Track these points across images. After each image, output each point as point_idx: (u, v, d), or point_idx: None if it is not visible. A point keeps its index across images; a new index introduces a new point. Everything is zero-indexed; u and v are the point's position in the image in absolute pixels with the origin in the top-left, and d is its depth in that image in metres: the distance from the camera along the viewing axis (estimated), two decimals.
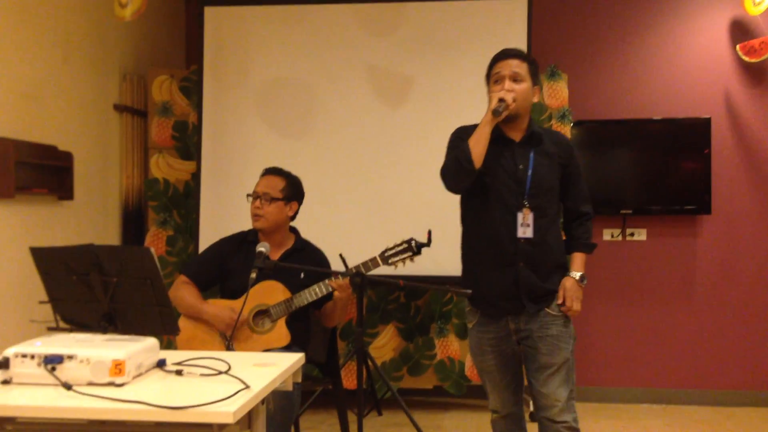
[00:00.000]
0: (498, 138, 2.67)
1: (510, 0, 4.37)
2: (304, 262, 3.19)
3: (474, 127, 2.65)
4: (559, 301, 2.68)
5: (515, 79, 2.62)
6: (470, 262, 2.79)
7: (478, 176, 2.64)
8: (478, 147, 2.57)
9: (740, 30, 4.74)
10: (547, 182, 2.68)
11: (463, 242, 2.83)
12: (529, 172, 2.66)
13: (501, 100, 2.56)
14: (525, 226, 2.63)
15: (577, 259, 2.76)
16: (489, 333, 2.74)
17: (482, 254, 2.72)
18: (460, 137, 2.69)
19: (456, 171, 2.64)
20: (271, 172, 3.30)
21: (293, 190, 3.26)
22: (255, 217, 3.20)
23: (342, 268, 3.16)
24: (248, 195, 3.25)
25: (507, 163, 2.67)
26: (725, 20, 4.78)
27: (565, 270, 2.75)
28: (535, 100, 2.73)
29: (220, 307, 3.09)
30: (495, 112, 2.56)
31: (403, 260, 3.16)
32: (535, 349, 2.67)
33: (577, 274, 2.73)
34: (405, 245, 3.14)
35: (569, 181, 2.77)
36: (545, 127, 2.87)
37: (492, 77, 2.69)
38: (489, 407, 2.87)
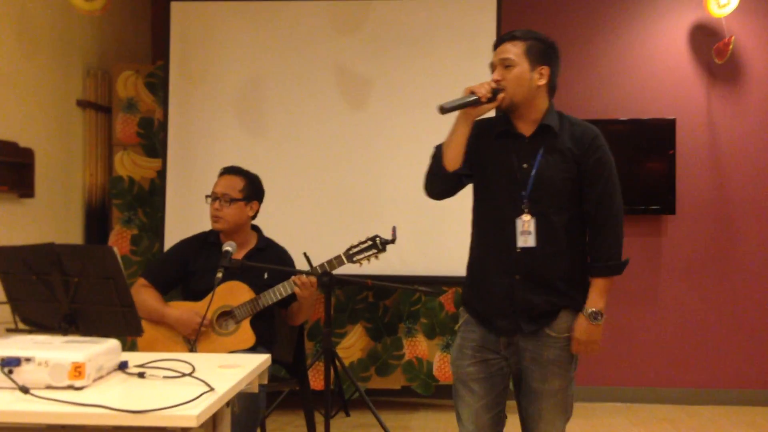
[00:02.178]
0: (505, 132, 2.37)
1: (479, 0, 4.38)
2: (267, 261, 3.15)
3: (487, 120, 2.38)
4: (573, 350, 2.32)
5: (506, 65, 2.29)
6: (470, 274, 2.46)
7: (479, 177, 2.38)
8: (449, 149, 2.29)
9: (704, 32, 4.81)
10: (552, 184, 2.29)
11: (470, 248, 2.48)
12: (533, 172, 2.29)
13: (472, 93, 2.24)
14: (526, 234, 2.28)
15: (593, 290, 2.32)
16: (474, 334, 2.37)
17: (480, 265, 2.40)
18: None
19: (430, 176, 2.37)
20: (230, 171, 3.22)
21: (253, 189, 3.20)
22: (214, 218, 3.14)
23: (306, 267, 3.14)
24: (207, 196, 3.18)
25: (509, 161, 2.32)
26: (690, 22, 4.84)
27: (582, 286, 2.34)
28: (541, 83, 2.32)
29: (183, 311, 3.04)
30: (441, 110, 2.23)
31: (368, 258, 3.14)
32: (526, 371, 2.33)
33: (587, 311, 2.29)
34: (370, 242, 3.13)
35: (585, 182, 2.32)
36: (572, 117, 2.42)
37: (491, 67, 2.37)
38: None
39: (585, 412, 4.67)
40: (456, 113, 2.29)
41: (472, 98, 2.24)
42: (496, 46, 2.36)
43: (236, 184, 3.16)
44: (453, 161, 2.30)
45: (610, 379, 4.87)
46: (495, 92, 2.26)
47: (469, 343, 2.38)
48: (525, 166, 2.31)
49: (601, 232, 2.33)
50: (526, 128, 2.35)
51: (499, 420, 2.39)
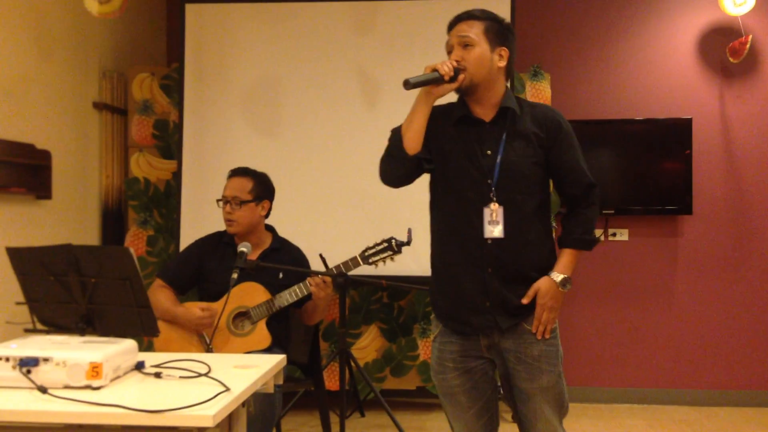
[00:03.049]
0: (465, 118, 2.26)
1: (492, 0, 4.36)
2: (282, 261, 3.16)
3: (443, 107, 2.27)
4: (525, 301, 2.20)
5: (465, 44, 2.20)
6: (436, 272, 2.33)
7: (439, 166, 2.26)
8: (410, 130, 2.17)
9: (720, 31, 4.77)
10: (519, 170, 2.20)
11: (431, 244, 2.36)
12: (498, 159, 2.19)
13: (434, 70, 2.13)
14: (494, 224, 2.17)
15: (563, 257, 2.24)
16: (452, 345, 2.26)
17: (445, 260, 2.28)
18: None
19: (387, 159, 2.24)
20: (238, 173, 3.22)
21: (262, 189, 3.19)
22: (228, 222, 3.14)
23: (322, 269, 3.14)
24: (218, 200, 3.18)
25: (471, 148, 2.22)
26: (705, 21, 4.80)
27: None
28: (501, 64, 2.24)
29: (194, 310, 3.05)
30: (406, 84, 2.11)
31: (384, 260, 3.14)
32: (512, 373, 2.24)
33: (558, 276, 2.21)
34: (385, 244, 3.13)
35: (556, 165, 2.26)
36: (529, 100, 2.36)
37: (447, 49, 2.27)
38: None
39: (601, 414, 4.64)
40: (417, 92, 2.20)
41: (435, 75, 2.14)
42: (452, 25, 2.26)
43: (245, 185, 3.16)
44: (413, 143, 2.19)
45: (627, 380, 4.84)
46: (456, 71, 2.17)
47: (448, 354, 2.27)
48: (489, 152, 2.22)
49: (578, 206, 2.29)
50: (486, 113, 2.25)
51: (492, 423, 2.33)
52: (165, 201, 4.66)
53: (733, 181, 4.78)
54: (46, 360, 1.76)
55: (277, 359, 2.17)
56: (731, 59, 4.66)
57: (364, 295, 4.56)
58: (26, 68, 3.78)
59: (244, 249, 3.00)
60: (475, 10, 2.25)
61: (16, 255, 2.29)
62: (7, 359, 1.76)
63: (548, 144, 2.25)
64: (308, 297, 3.09)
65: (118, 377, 1.86)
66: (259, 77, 4.48)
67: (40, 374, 1.75)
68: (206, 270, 3.18)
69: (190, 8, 4.51)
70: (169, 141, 4.67)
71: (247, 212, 3.13)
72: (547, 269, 2.25)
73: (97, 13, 3.85)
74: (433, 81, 2.16)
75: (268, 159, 4.14)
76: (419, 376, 4.55)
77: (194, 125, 4.47)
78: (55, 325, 2.31)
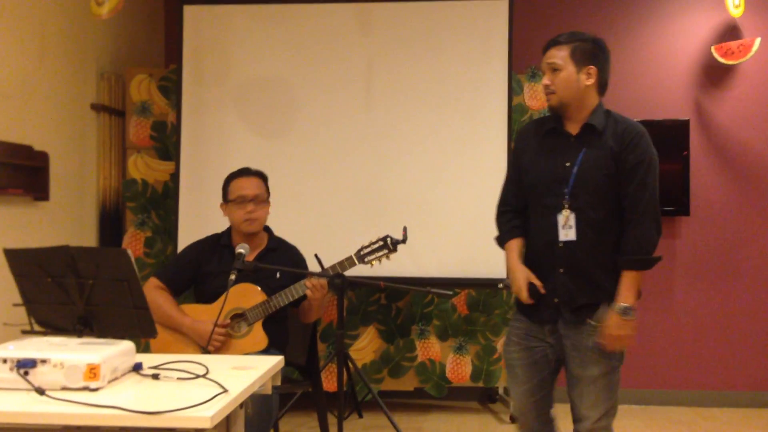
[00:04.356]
0: (553, 131, 2.52)
1: (491, 0, 4.38)
2: (279, 261, 3.16)
3: (539, 120, 2.62)
4: (603, 343, 2.39)
5: (553, 69, 2.46)
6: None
7: (527, 177, 2.54)
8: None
9: (720, 32, 4.78)
10: (592, 180, 2.41)
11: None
12: (575, 170, 2.43)
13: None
14: (567, 228, 2.41)
15: (623, 282, 2.39)
16: (521, 323, 2.56)
17: (529, 260, 2.54)
18: (514, 157, 2.67)
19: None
20: (251, 173, 3.24)
21: (268, 190, 3.26)
22: (249, 222, 3.12)
23: (318, 269, 3.14)
24: (231, 200, 3.17)
25: (554, 159, 2.48)
26: (705, 22, 4.81)
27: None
28: (589, 82, 2.47)
29: (199, 321, 3.04)
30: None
31: (379, 258, 3.14)
32: (567, 358, 2.48)
33: (618, 307, 2.36)
34: (381, 243, 3.13)
35: (621, 178, 2.42)
36: (619, 115, 2.56)
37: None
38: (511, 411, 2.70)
39: None
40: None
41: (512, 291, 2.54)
42: (544, 51, 2.52)
43: (261, 185, 3.21)
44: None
45: (625, 381, 4.78)
46: (552, 93, 2.48)
47: (516, 331, 2.57)
48: (567, 164, 2.45)
49: (632, 226, 2.40)
50: (573, 127, 2.50)
51: (544, 405, 2.54)
52: (163, 202, 4.66)
53: (731, 182, 4.79)
54: (43, 361, 1.75)
55: (275, 360, 2.17)
56: (726, 60, 4.67)
57: (361, 297, 4.56)
58: (24, 70, 3.78)
59: (242, 250, 2.99)
60: (561, 35, 2.50)
61: (14, 256, 2.29)
62: (5, 361, 1.76)
63: (619, 157, 2.43)
64: (305, 296, 3.09)
65: (115, 379, 1.86)
66: (257, 78, 4.48)
67: (37, 376, 1.75)
68: (204, 272, 3.18)
69: (188, 9, 4.51)
70: (167, 142, 4.67)
71: (266, 211, 3.19)
72: (612, 272, 2.42)
73: (106, 14, 3.81)
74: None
75: (265, 159, 4.13)
76: (417, 377, 4.55)
77: (192, 127, 4.47)
78: (53, 327, 2.31)
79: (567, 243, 2.41)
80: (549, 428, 2.60)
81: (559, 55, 2.46)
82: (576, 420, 2.51)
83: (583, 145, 2.45)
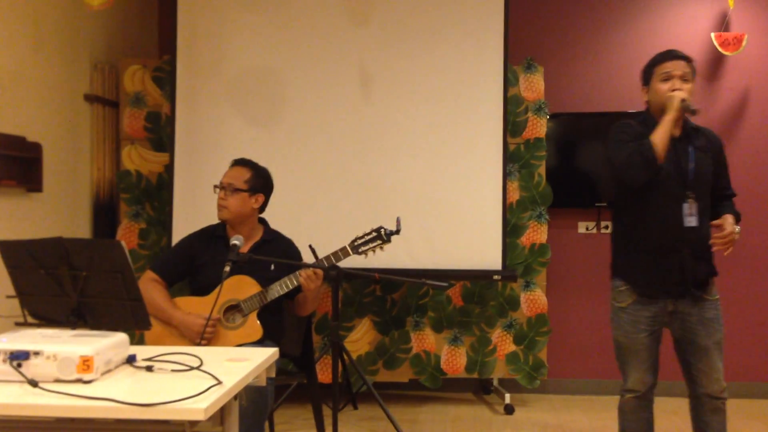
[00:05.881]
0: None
1: None
2: (273, 253, 3.16)
3: (639, 123, 2.91)
4: (717, 223, 2.82)
5: (685, 79, 2.83)
6: (633, 251, 2.93)
7: None
8: (662, 144, 2.74)
9: (717, 23, 4.77)
10: (706, 175, 2.88)
11: (621, 232, 3.00)
12: (691, 166, 2.84)
13: (683, 100, 2.76)
14: (690, 216, 2.81)
15: (730, 216, 2.88)
16: (647, 312, 2.89)
17: (648, 243, 2.87)
18: (626, 132, 2.88)
19: (642, 167, 2.78)
20: (239, 163, 3.26)
21: (260, 182, 3.22)
22: (219, 207, 3.18)
23: (312, 260, 3.14)
24: (215, 186, 3.21)
25: (671, 157, 2.82)
26: (702, 12, 4.81)
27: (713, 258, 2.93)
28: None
29: (190, 315, 3.03)
30: (689, 111, 2.76)
31: (374, 249, 3.14)
32: (693, 332, 2.87)
33: (735, 219, 2.89)
34: (374, 234, 3.14)
35: (719, 173, 2.96)
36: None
37: (659, 75, 2.86)
38: (623, 388, 3.00)
39: (594, 405, 4.66)
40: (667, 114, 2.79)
41: (686, 104, 2.78)
42: (668, 59, 2.88)
43: (243, 175, 3.19)
44: (663, 155, 2.77)
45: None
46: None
47: (643, 319, 2.91)
48: (683, 160, 2.85)
49: (731, 198, 3.04)
50: (675, 131, 2.85)
51: (654, 375, 2.97)
52: (157, 194, 4.64)
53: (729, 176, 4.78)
54: (36, 353, 1.75)
55: (270, 352, 2.17)
56: (724, 50, 4.66)
57: (356, 288, 4.56)
58: (17, 60, 3.76)
59: (237, 242, 3.00)
60: (685, 54, 2.92)
61: (7, 248, 2.28)
62: None
63: (716, 157, 2.94)
64: (299, 288, 3.09)
65: (109, 371, 1.85)
66: (252, 68, 4.46)
67: (30, 368, 1.74)
68: (198, 263, 3.18)
69: None
70: (161, 133, 4.65)
71: (238, 201, 3.15)
72: (712, 251, 2.90)
73: (99, 4, 3.80)
74: (690, 112, 2.79)
75: (261, 150, 4.11)
76: (412, 368, 4.56)
77: (186, 117, 4.45)
78: (46, 319, 2.31)
79: (690, 228, 2.81)
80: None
81: (688, 69, 2.88)
82: (705, 385, 2.89)
83: (688, 144, 2.86)
